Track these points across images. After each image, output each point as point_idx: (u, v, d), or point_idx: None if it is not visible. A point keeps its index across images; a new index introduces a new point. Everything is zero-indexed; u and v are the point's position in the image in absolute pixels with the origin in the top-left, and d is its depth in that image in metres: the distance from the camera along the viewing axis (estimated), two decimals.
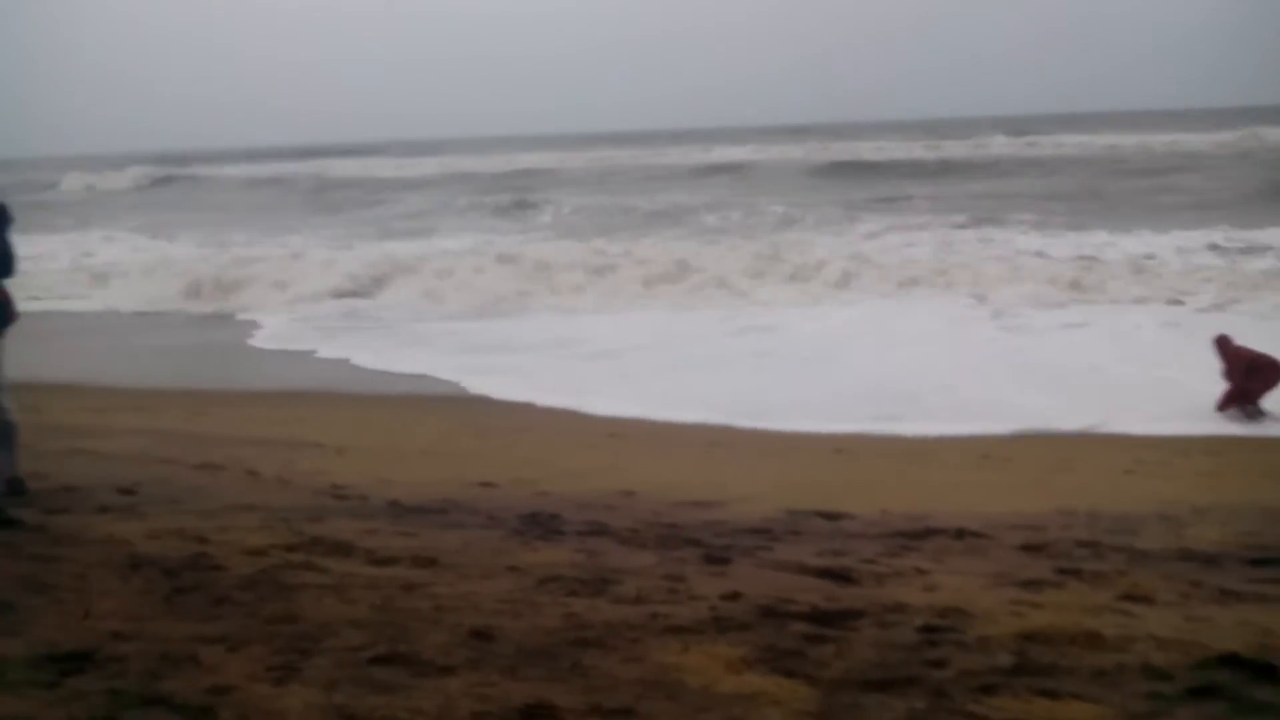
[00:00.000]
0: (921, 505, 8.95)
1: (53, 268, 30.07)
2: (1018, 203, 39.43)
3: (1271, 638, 4.86)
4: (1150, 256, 25.98)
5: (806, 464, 11.52)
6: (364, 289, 26.73)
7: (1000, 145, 72.97)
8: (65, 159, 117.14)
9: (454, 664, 4.47)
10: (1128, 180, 47.32)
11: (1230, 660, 4.49)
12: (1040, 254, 27.34)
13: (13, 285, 7.77)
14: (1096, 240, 28.72)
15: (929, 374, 15.84)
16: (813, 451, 12.10)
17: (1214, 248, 26.57)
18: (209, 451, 10.98)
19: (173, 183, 78.62)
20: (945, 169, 58.22)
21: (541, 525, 7.83)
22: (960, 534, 7.68)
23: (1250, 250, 26.08)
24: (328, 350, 19.66)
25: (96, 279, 29.29)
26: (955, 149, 71.08)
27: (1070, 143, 71.00)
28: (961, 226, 33.00)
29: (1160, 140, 67.51)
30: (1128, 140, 69.38)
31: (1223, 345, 13.84)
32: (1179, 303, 21.13)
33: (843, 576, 6.15)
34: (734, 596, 5.55)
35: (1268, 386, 13.27)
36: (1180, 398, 13.85)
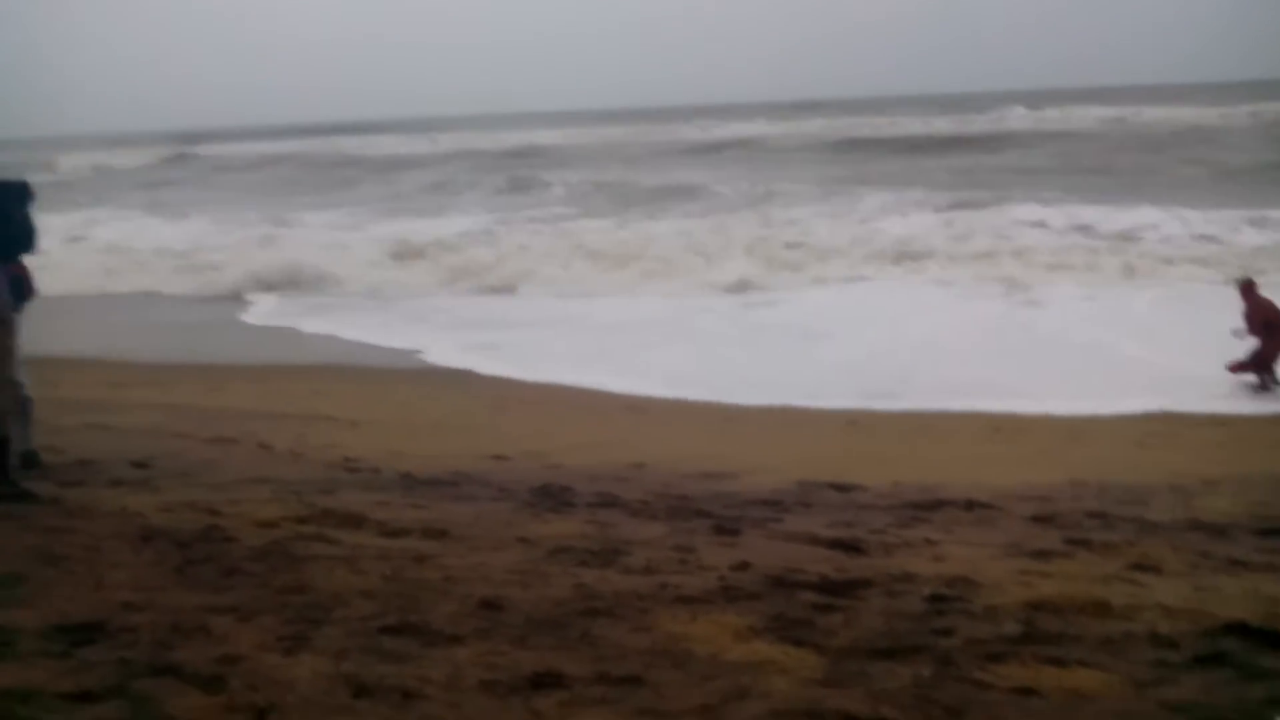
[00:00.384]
0: (933, 477, 8.96)
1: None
2: (1038, 178, 39.26)
3: (1279, 607, 4.85)
4: (1150, 228, 25.91)
5: (819, 437, 11.55)
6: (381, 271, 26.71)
7: (1018, 119, 72.58)
8: (73, 138, 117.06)
9: (463, 634, 4.49)
10: (1142, 155, 47.04)
11: (1237, 628, 4.49)
12: (1043, 225, 27.36)
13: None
14: (1111, 215, 28.49)
15: (936, 351, 15.86)
16: (825, 425, 12.13)
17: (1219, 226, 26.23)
18: (222, 426, 11.05)
19: (186, 161, 78.59)
20: (959, 144, 57.89)
21: (552, 497, 7.86)
22: (970, 505, 7.68)
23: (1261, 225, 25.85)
24: (339, 328, 19.76)
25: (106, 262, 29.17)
26: (974, 123, 70.84)
27: (1089, 116, 70.46)
28: (966, 205, 32.65)
29: (1182, 114, 66.96)
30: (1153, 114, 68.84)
31: (1247, 291, 13.75)
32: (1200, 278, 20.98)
33: (852, 547, 6.16)
34: (743, 567, 5.56)
35: (1276, 353, 13.23)
36: (1190, 374, 13.83)
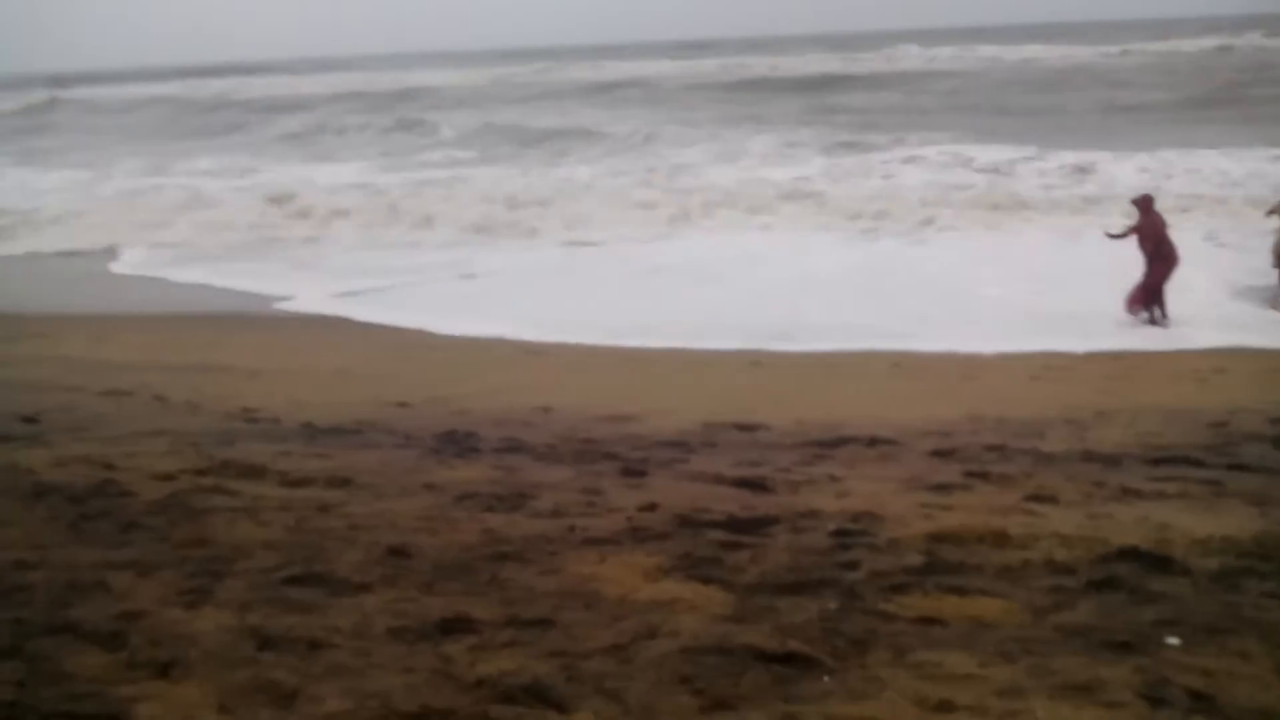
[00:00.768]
0: (836, 415, 9.08)
1: None
2: (929, 118, 39.70)
3: (1169, 532, 5.01)
4: (1036, 168, 26.32)
5: (722, 379, 11.60)
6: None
7: (910, 58, 73.16)
8: None
9: (370, 581, 4.45)
10: (1034, 95, 47.76)
11: (1130, 554, 4.63)
12: (931, 165, 27.75)
13: None
14: (998, 155, 28.70)
15: (826, 293, 16.02)
16: (728, 366, 12.19)
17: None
18: (115, 378, 10.76)
19: (58, 106, 75.28)
20: (851, 83, 58.10)
21: (458, 443, 7.82)
22: (873, 441, 7.80)
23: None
24: (215, 278, 19.43)
25: None
26: (867, 63, 71.22)
27: (982, 55, 71.26)
28: (855, 147, 32.80)
29: (1078, 52, 68.12)
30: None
31: (1145, 206, 14.00)
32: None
33: (758, 485, 6.23)
34: (651, 508, 5.59)
35: (1164, 275, 13.59)
36: (1081, 311, 14.17)
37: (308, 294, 17.50)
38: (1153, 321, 13.60)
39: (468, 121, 47.58)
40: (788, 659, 3.61)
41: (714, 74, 70.07)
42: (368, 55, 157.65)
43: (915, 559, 4.66)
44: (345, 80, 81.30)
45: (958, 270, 17.40)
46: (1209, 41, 70.75)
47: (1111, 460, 7.05)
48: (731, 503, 5.72)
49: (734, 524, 5.26)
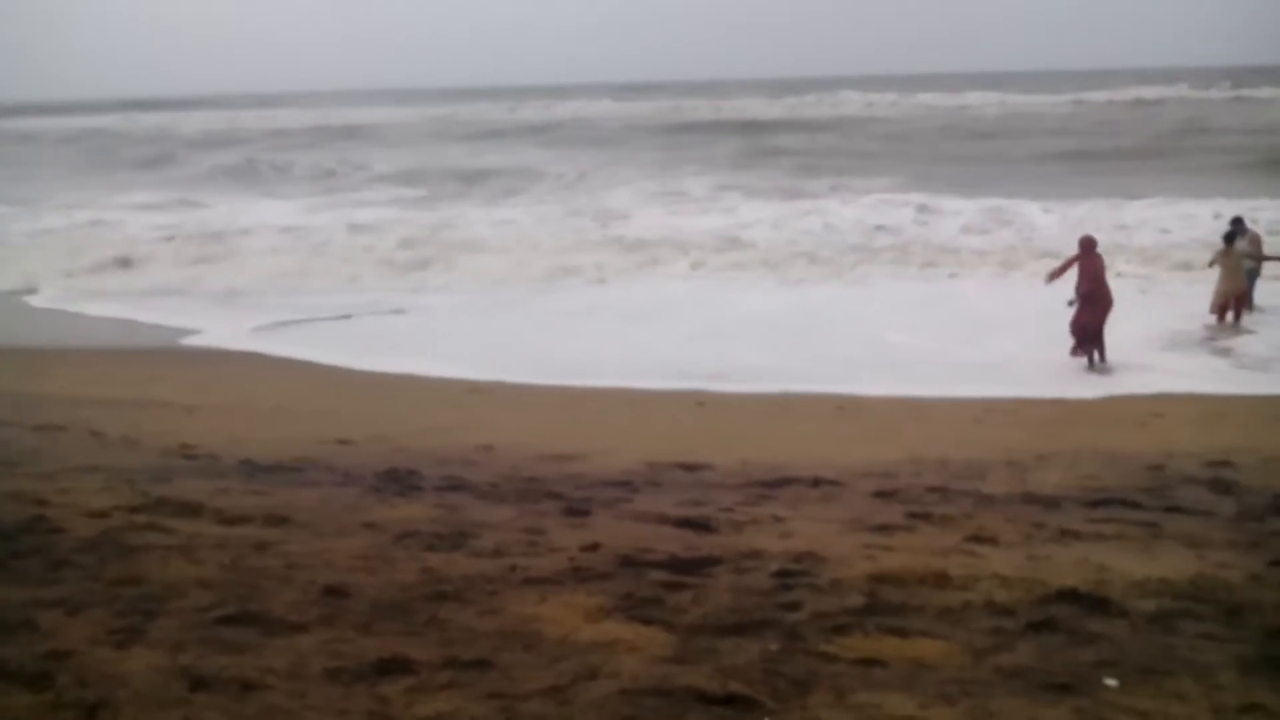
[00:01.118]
0: (779, 456, 9.09)
1: None
2: (870, 163, 40.12)
3: (1107, 573, 5.07)
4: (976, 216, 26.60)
5: (667, 418, 11.59)
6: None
7: (851, 104, 74.35)
8: None
9: (306, 621, 4.38)
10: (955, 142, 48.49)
11: (1068, 595, 4.67)
12: (868, 211, 27.92)
13: None
14: (933, 203, 28.66)
15: (754, 337, 16.07)
16: (673, 406, 12.18)
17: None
18: (49, 412, 10.54)
19: None
20: (792, 128, 58.81)
21: (399, 481, 7.73)
22: (816, 482, 7.82)
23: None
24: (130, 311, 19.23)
25: None
26: (808, 108, 72.28)
27: (921, 103, 72.64)
28: (793, 193, 32.89)
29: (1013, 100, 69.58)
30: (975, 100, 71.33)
31: (1088, 247, 14.16)
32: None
33: (701, 525, 6.21)
34: (593, 547, 5.56)
35: (1102, 317, 13.79)
36: (1021, 358, 14.35)
37: (222, 329, 17.35)
38: (1091, 366, 13.80)
39: (403, 159, 47.54)
40: (728, 700, 3.59)
41: (655, 115, 70.77)
42: (310, 92, 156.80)
43: (857, 600, 4.66)
44: (284, 116, 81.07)
45: (891, 315, 17.49)
46: (1143, 92, 72.67)
47: (1051, 502, 7.13)
48: (674, 543, 5.71)
49: (676, 564, 5.24)
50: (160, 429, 10.18)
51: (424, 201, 35.13)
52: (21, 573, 5.01)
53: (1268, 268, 17.09)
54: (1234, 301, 16.13)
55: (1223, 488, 7.64)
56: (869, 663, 3.96)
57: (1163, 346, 14.96)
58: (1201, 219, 24.26)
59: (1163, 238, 23.44)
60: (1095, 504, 7.05)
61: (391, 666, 3.89)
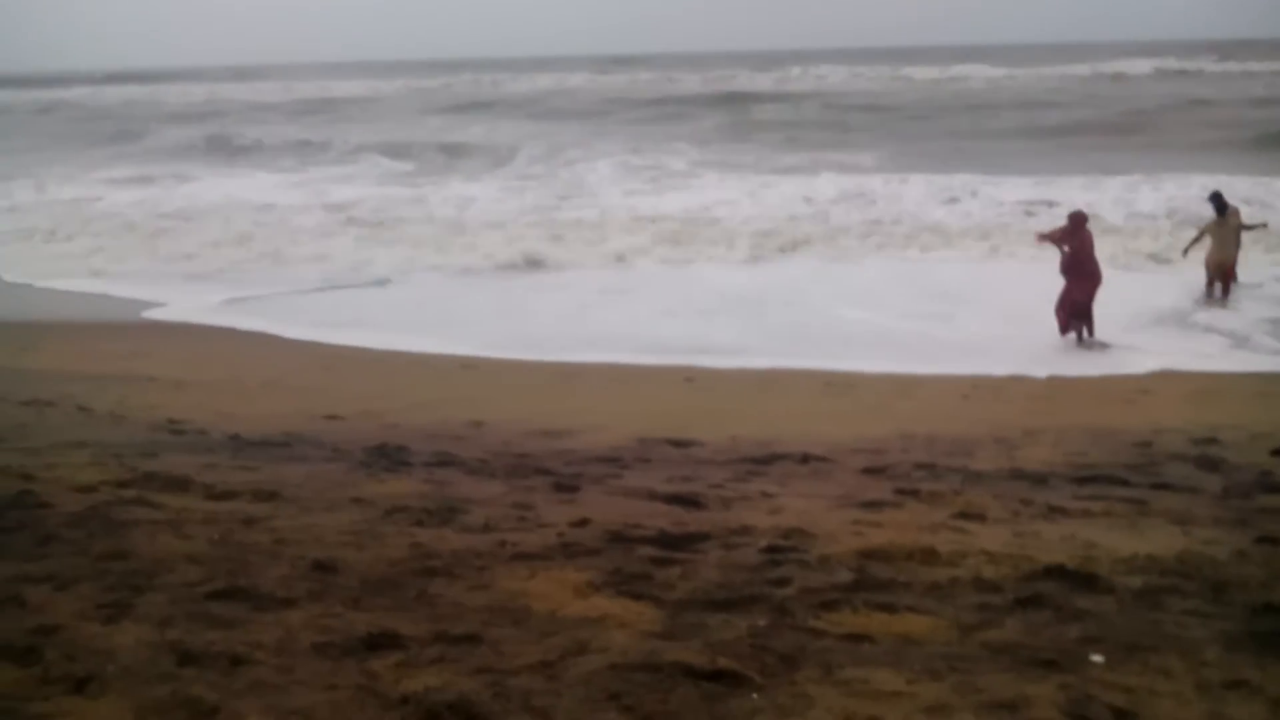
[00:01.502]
0: (769, 432, 9.11)
1: None
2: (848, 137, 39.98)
3: (1094, 550, 5.09)
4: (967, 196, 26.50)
5: (656, 394, 11.59)
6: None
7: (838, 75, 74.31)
8: None
9: (295, 596, 4.38)
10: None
11: (1055, 571, 4.69)
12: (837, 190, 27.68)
13: None
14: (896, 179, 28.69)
15: (733, 314, 16.03)
16: (663, 382, 12.17)
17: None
18: (37, 387, 10.51)
19: None
20: (776, 99, 58.63)
21: (388, 457, 7.73)
22: (805, 459, 7.84)
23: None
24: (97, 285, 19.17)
25: None
26: (791, 81, 72.15)
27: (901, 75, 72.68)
28: (764, 167, 32.68)
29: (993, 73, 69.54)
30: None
31: (1079, 222, 14.13)
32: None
33: (691, 501, 6.22)
34: (583, 523, 5.56)
35: (1090, 293, 13.80)
36: (1009, 334, 14.35)
37: (191, 302, 17.25)
38: (1080, 342, 13.82)
39: (377, 133, 47.23)
40: (717, 676, 3.60)
41: (635, 89, 70.38)
42: (286, 64, 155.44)
43: (845, 576, 4.68)
44: (262, 89, 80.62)
45: (873, 291, 17.42)
46: (1133, 65, 72.64)
47: (1039, 479, 7.14)
48: (663, 519, 5.71)
49: (665, 540, 5.25)
50: (147, 404, 10.16)
51: (406, 177, 34.97)
52: (9, 548, 5.00)
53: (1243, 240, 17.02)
54: (1222, 274, 16.14)
55: (1210, 464, 7.67)
56: (857, 638, 3.97)
57: (1150, 323, 14.98)
58: (1187, 195, 24.07)
59: (1147, 213, 23.32)
60: (1083, 480, 7.07)
61: (380, 641, 3.89)
